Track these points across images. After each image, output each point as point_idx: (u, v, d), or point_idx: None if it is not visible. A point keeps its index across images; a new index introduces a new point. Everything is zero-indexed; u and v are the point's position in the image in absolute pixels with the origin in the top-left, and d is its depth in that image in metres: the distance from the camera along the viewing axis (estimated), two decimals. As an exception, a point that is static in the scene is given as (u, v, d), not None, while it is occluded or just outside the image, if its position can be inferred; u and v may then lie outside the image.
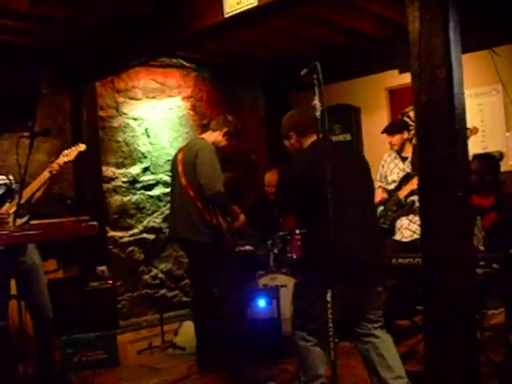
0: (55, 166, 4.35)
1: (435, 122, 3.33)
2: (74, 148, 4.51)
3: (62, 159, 4.42)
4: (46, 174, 4.30)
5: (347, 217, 3.21)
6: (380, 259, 3.51)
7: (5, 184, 4.32)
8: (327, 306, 2.94)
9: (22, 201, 4.06)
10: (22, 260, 4.28)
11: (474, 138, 4.99)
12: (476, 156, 5.14)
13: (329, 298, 3.08)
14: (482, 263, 4.32)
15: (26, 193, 4.20)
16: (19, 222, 4.07)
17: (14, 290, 4.36)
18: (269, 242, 5.68)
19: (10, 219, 4.05)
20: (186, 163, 4.49)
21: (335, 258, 3.03)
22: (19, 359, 4.27)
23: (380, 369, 3.33)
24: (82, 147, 4.57)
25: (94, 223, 3.92)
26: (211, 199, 4.31)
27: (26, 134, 4.25)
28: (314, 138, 3.36)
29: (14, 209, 4.07)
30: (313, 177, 3.15)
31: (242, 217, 4.74)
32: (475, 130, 4.94)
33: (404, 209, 5.24)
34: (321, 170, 2.95)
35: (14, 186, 4.29)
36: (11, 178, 4.33)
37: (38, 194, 4.28)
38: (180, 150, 4.70)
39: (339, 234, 3.01)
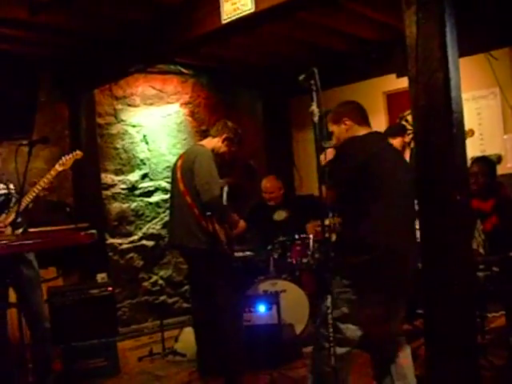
0: (49, 177, 4.35)
1: (433, 126, 3.33)
2: (70, 156, 4.52)
3: (58, 168, 4.42)
4: (41, 184, 4.30)
5: (399, 219, 3.14)
6: (415, 268, 3.30)
7: (4, 194, 4.32)
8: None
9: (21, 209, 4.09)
10: (21, 269, 4.28)
11: (472, 142, 4.99)
12: (475, 160, 5.15)
13: (328, 304, 3.08)
14: (482, 266, 4.33)
15: (24, 201, 4.21)
16: (17, 231, 4.07)
17: (13, 299, 4.37)
18: (269, 248, 5.69)
19: (8, 229, 4.05)
20: (184, 169, 4.50)
21: (393, 263, 3.03)
22: (18, 367, 4.26)
23: (396, 377, 3.29)
24: (78, 155, 4.58)
25: (93, 231, 3.92)
26: (207, 205, 4.30)
27: (24, 141, 4.26)
28: (367, 129, 3.35)
29: (11, 218, 4.08)
30: (375, 166, 3.10)
31: (241, 223, 4.73)
32: (471, 133, 4.96)
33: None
34: (378, 166, 3.00)
35: (14, 195, 4.28)
36: (12, 187, 4.32)
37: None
38: (180, 157, 4.71)
39: (394, 238, 3.03)
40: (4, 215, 4.17)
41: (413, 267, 3.21)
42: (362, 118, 3.41)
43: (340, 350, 3.04)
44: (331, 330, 3.11)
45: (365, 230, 3.07)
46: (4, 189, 4.34)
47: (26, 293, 4.33)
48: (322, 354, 3.05)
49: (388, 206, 3.06)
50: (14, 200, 4.31)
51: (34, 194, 4.28)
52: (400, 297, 3.24)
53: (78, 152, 4.59)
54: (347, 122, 3.38)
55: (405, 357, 3.31)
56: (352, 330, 3.09)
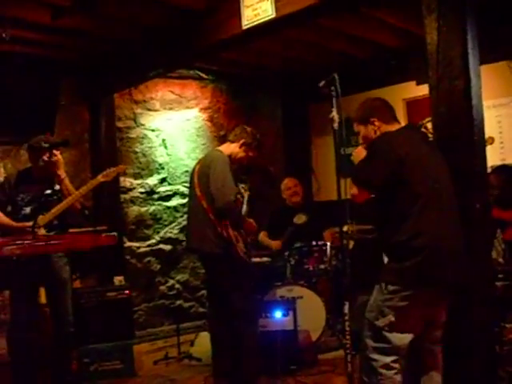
0: (90, 186, 4.41)
1: (453, 134, 3.31)
2: (114, 169, 4.58)
3: (100, 179, 4.48)
4: (80, 192, 4.35)
5: (442, 217, 3.01)
6: (462, 264, 3.09)
7: (47, 194, 4.35)
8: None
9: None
10: (53, 273, 4.34)
11: (492, 150, 4.94)
12: (495, 168, 5.11)
13: (346, 311, 3.07)
14: (501, 276, 4.29)
15: (62, 206, 4.26)
16: (41, 232, 4.12)
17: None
18: (286, 253, 5.68)
19: (41, 230, 4.10)
20: (200, 175, 4.50)
21: (439, 264, 2.94)
22: (37, 369, 4.30)
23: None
24: (121, 168, 4.68)
25: (114, 234, 3.95)
26: (221, 211, 4.30)
27: (45, 144, 4.31)
28: (396, 125, 3.25)
29: (47, 220, 4.13)
30: (411, 165, 2.99)
31: (254, 227, 4.71)
32: (491, 140, 4.91)
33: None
34: (415, 163, 2.95)
35: (55, 197, 4.33)
36: (57, 188, 4.35)
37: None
38: (198, 162, 4.72)
39: (439, 238, 2.95)
40: (41, 216, 4.21)
41: (460, 268, 3.05)
42: (391, 115, 3.29)
43: (386, 359, 3.00)
44: (348, 337, 3.11)
45: (407, 232, 2.95)
46: (48, 189, 4.38)
47: (54, 296, 4.40)
48: (374, 358, 3.03)
49: (428, 205, 2.95)
50: (56, 202, 4.34)
51: (73, 201, 4.33)
52: (444, 299, 3.13)
53: (121, 166, 4.70)
54: (376, 123, 3.25)
55: (437, 371, 3.20)
56: (399, 338, 3.00)
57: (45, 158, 4.32)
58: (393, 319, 2.98)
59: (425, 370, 3.18)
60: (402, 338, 3.01)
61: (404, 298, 2.96)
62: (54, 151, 4.34)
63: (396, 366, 3.01)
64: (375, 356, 3.02)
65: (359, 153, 3.35)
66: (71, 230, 4.80)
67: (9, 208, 4.42)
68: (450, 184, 3.13)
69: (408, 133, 3.24)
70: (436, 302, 3.10)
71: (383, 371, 2.99)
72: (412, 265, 2.93)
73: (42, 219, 4.16)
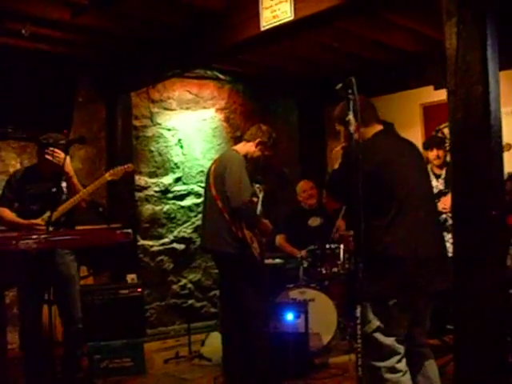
0: (97, 184, 4.43)
1: (470, 140, 3.29)
2: (121, 167, 4.60)
3: (107, 177, 4.50)
4: (88, 190, 4.37)
5: (419, 217, 3.00)
6: (445, 264, 3.14)
7: (53, 192, 4.38)
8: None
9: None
10: (60, 269, 4.35)
11: (509, 156, 4.91)
12: (510, 175, 5.06)
13: (358, 314, 3.05)
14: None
15: (70, 203, 4.29)
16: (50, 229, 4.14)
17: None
18: (299, 255, 5.67)
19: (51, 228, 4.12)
20: (216, 175, 4.51)
21: (416, 264, 2.93)
22: (48, 364, 4.31)
23: None
24: (130, 168, 4.67)
25: (129, 231, 3.96)
26: (236, 211, 4.30)
27: (62, 141, 4.34)
28: (376, 128, 3.23)
29: (54, 217, 4.14)
30: (387, 173, 2.99)
31: (269, 228, 4.70)
32: (508, 147, 4.87)
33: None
34: (394, 166, 2.96)
35: (63, 195, 4.35)
36: (64, 185, 4.37)
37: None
38: (214, 162, 4.72)
39: (416, 237, 2.95)
40: (48, 213, 4.23)
41: (440, 274, 3.05)
42: (369, 117, 3.24)
43: (389, 363, 3.00)
44: (359, 341, 3.10)
45: (382, 242, 2.96)
46: (55, 186, 4.40)
47: (62, 292, 4.40)
48: (376, 365, 3.03)
49: (403, 212, 2.95)
50: (63, 199, 4.38)
51: (81, 199, 4.36)
52: (420, 306, 3.13)
53: (129, 165, 4.69)
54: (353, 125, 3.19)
55: (432, 369, 3.22)
56: (387, 340, 3.01)
57: (46, 155, 4.35)
58: (378, 323, 3.01)
59: (419, 365, 3.19)
60: (388, 340, 3.01)
61: (386, 306, 2.98)
62: (56, 149, 4.35)
63: (401, 367, 3.00)
64: (377, 364, 3.02)
65: (338, 153, 3.34)
66: (86, 227, 4.84)
67: (16, 205, 4.45)
68: (429, 189, 3.18)
69: (385, 138, 3.20)
70: (416, 304, 3.09)
71: (389, 376, 2.99)
72: (388, 277, 2.96)
73: (47, 216, 4.17)
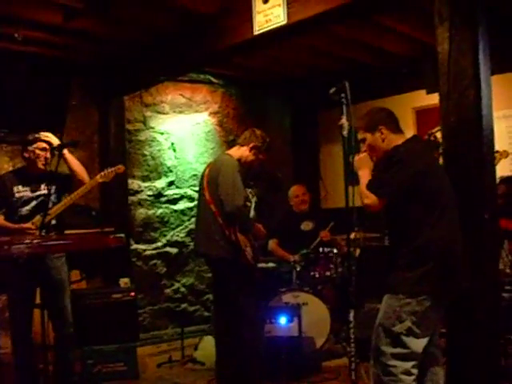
0: (88, 186, 4.42)
1: (463, 144, 3.31)
2: (112, 169, 4.59)
3: (98, 179, 4.49)
4: (79, 192, 4.36)
5: (452, 228, 3.09)
6: (467, 270, 3.14)
7: (43, 195, 4.37)
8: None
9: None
10: (50, 273, 4.33)
11: (502, 161, 4.93)
12: (503, 179, 5.09)
13: (351, 318, 3.06)
14: (507, 287, 4.27)
15: (61, 206, 4.29)
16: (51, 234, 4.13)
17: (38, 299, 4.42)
18: (292, 260, 5.67)
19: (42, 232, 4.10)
20: (210, 179, 4.51)
21: (451, 268, 3.01)
22: (40, 369, 4.29)
23: None
24: (120, 169, 4.66)
25: (122, 235, 3.95)
26: (230, 215, 4.30)
27: (54, 145, 4.34)
28: (403, 136, 3.29)
29: (45, 220, 4.13)
30: (428, 182, 3.06)
31: (263, 233, 4.71)
32: (506, 154, 4.87)
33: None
34: (433, 176, 3.05)
35: (52, 198, 4.33)
36: (53, 188, 4.36)
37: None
38: (207, 166, 4.72)
39: (448, 248, 3.02)
40: (38, 216, 4.21)
41: (466, 273, 3.11)
42: (396, 125, 3.33)
43: (406, 365, 3.01)
44: (352, 345, 3.10)
45: (423, 241, 3.02)
46: (43, 189, 4.39)
47: (52, 296, 4.37)
48: (393, 364, 3.03)
49: (442, 215, 3.04)
50: (52, 202, 4.35)
51: (71, 201, 4.35)
52: (444, 305, 3.17)
53: (120, 166, 4.67)
54: (383, 131, 3.27)
55: (441, 375, 3.23)
56: (416, 344, 3.01)
57: (26, 154, 4.37)
58: (410, 324, 3.00)
59: (428, 370, 3.19)
60: (419, 343, 3.02)
61: (420, 302, 2.99)
62: (38, 145, 4.35)
63: (415, 371, 3.02)
64: (394, 362, 3.02)
65: (363, 160, 3.34)
66: (75, 232, 4.83)
67: (3, 209, 4.42)
68: (454, 195, 3.18)
69: (421, 145, 3.31)
70: (445, 305, 3.13)
71: (403, 377, 3.00)
72: (425, 273, 2.99)
73: (38, 220, 4.16)
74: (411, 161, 3.11)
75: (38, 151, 4.37)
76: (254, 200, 4.67)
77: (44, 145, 4.41)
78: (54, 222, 4.35)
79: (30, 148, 4.38)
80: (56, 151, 4.27)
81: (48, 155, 4.41)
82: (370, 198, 3.11)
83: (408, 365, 3.00)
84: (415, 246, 3.03)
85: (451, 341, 3.36)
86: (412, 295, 3.01)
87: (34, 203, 4.36)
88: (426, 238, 3.01)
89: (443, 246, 3.02)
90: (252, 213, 4.59)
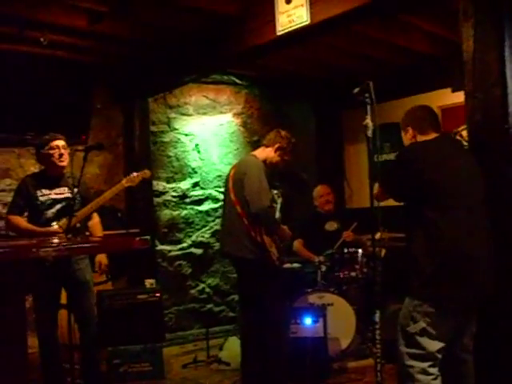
0: (115, 190, 4.45)
1: (489, 142, 3.27)
2: (139, 174, 4.62)
3: (124, 184, 4.52)
4: (106, 196, 4.40)
5: (464, 229, 3.00)
6: (493, 274, 3.08)
7: (66, 198, 4.40)
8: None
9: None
10: (75, 275, 4.37)
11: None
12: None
13: (377, 319, 3.04)
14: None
15: (87, 210, 4.32)
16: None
17: (64, 300, 4.47)
18: (316, 260, 5.66)
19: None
20: (235, 180, 4.51)
21: (463, 272, 2.95)
22: (67, 369, 4.33)
23: None
24: (146, 174, 4.68)
25: (147, 237, 3.97)
26: (256, 216, 4.30)
27: (80, 147, 4.36)
28: (432, 136, 3.26)
29: (72, 223, 4.16)
30: (427, 181, 3.02)
31: (288, 234, 4.70)
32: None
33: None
34: (437, 174, 2.98)
35: (78, 200, 4.36)
36: (76, 190, 4.40)
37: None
38: (233, 167, 4.73)
39: (463, 243, 2.96)
40: (64, 219, 4.23)
41: (487, 279, 3.04)
42: (428, 126, 3.29)
43: (423, 365, 2.99)
44: (378, 346, 3.08)
45: (430, 246, 2.99)
46: (67, 192, 4.43)
47: (77, 297, 4.42)
48: (410, 364, 3.03)
49: (450, 217, 2.98)
50: (78, 205, 4.38)
51: (98, 205, 4.38)
52: (472, 310, 3.13)
53: (146, 171, 4.70)
54: (410, 131, 3.32)
55: (470, 380, 3.17)
56: (432, 344, 2.99)
57: (43, 154, 4.41)
58: (424, 325, 2.98)
59: (458, 379, 3.15)
60: (434, 344, 3.00)
61: (433, 305, 2.98)
62: (59, 143, 4.40)
63: (433, 371, 3.00)
64: (411, 362, 3.02)
65: None
66: (105, 232, 4.86)
67: (26, 212, 4.45)
68: (481, 194, 3.12)
69: (438, 143, 3.22)
70: (465, 311, 3.08)
71: (420, 377, 2.98)
72: (425, 280, 2.98)
73: (64, 223, 4.19)
74: (411, 160, 3.11)
75: (57, 150, 4.39)
76: (279, 201, 4.67)
77: (62, 142, 4.45)
78: (78, 225, 4.38)
79: (46, 147, 4.41)
80: (82, 154, 4.30)
81: (66, 154, 4.43)
82: (376, 188, 3.15)
83: (424, 365, 2.99)
84: (423, 248, 3.01)
85: (477, 342, 3.30)
86: (423, 298, 3.00)
87: (58, 206, 4.39)
88: (434, 241, 2.97)
89: (453, 249, 2.95)
90: (278, 214, 4.59)
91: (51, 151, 4.39)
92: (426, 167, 3.04)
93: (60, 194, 4.42)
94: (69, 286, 4.37)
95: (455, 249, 2.95)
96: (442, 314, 2.97)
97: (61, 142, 4.43)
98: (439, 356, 3.02)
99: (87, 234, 4.59)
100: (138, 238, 3.90)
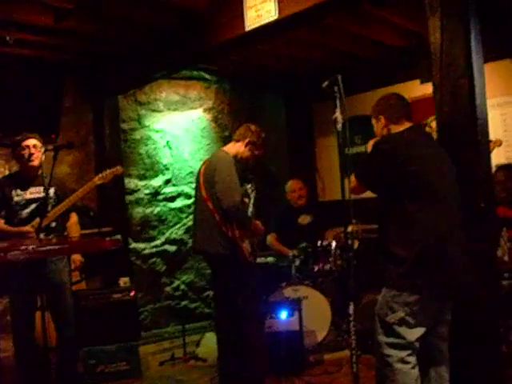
0: (87, 188, 4.42)
1: (457, 133, 3.31)
2: (110, 170, 4.59)
3: (96, 181, 4.49)
4: (78, 194, 4.37)
5: (440, 222, 3.01)
6: (467, 265, 3.09)
7: (40, 198, 4.37)
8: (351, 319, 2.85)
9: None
10: (52, 276, 4.34)
11: (497, 149, 4.94)
12: (500, 167, 5.09)
13: (351, 311, 3.07)
14: (506, 275, 4.28)
15: (60, 209, 4.29)
16: (50, 236, 4.13)
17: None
18: (290, 254, 5.68)
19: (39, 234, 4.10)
20: (206, 176, 4.51)
21: (440, 261, 2.96)
22: (43, 371, 4.30)
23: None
24: (118, 170, 4.66)
25: (118, 237, 3.96)
26: (227, 212, 4.30)
27: (50, 146, 4.32)
28: (405, 125, 3.26)
29: (44, 223, 4.13)
30: (412, 167, 3.02)
31: (261, 228, 4.71)
32: (499, 142, 4.89)
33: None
34: (415, 167, 2.98)
35: (52, 200, 4.34)
36: (51, 191, 4.39)
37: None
38: (204, 163, 4.72)
39: (440, 234, 2.97)
40: (37, 219, 4.20)
41: (462, 270, 3.05)
42: (400, 115, 3.30)
43: (401, 353, 3.01)
44: (353, 337, 3.11)
45: (402, 236, 3.02)
46: (41, 192, 4.39)
47: (54, 298, 4.40)
48: (388, 354, 3.04)
49: (426, 208, 2.99)
50: (51, 204, 4.38)
51: (70, 204, 4.35)
52: (448, 298, 3.15)
53: (118, 168, 4.67)
54: (382, 120, 3.33)
55: (446, 367, 3.21)
56: (411, 333, 3.02)
57: (17, 153, 4.39)
58: (402, 315, 3.01)
59: (433, 366, 3.19)
60: (413, 333, 3.02)
61: (412, 295, 2.99)
62: (28, 142, 4.37)
63: (411, 359, 3.03)
64: (389, 351, 3.04)
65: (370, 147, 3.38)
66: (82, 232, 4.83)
67: (2, 212, 4.42)
68: (454, 185, 3.15)
69: (412, 134, 3.23)
70: (442, 299, 3.12)
71: (399, 365, 3.01)
72: (404, 270, 2.99)
73: (37, 222, 4.16)
74: (391, 149, 3.10)
75: (27, 149, 4.37)
76: (253, 195, 4.68)
77: (34, 142, 4.42)
78: (53, 224, 4.35)
79: (18, 148, 4.39)
80: (52, 153, 4.26)
81: (39, 153, 4.40)
82: (352, 182, 3.16)
83: (403, 353, 3.01)
84: (401, 239, 3.02)
85: (452, 329, 3.35)
86: (401, 288, 3.02)
87: (33, 206, 4.37)
88: (412, 231, 2.99)
89: (429, 238, 2.97)
90: (251, 208, 4.60)
91: (22, 151, 4.38)
92: (406, 158, 3.03)
93: (35, 193, 4.39)
94: (46, 287, 4.34)
95: (433, 239, 2.97)
96: (421, 303, 2.99)
97: (32, 142, 4.41)
98: (417, 345, 3.05)
99: (65, 234, 4.56)
100: (108, 239, 3.89)
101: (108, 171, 4.58)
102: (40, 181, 4.42)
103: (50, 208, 4.34)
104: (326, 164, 7.68)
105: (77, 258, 4.65)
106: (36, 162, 4.39)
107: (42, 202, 4.25)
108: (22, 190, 4.40)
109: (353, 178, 3.19)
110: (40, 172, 4.46)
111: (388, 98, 3.41)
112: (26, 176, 4.46)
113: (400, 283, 3.03)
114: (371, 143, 3.40)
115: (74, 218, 4.65)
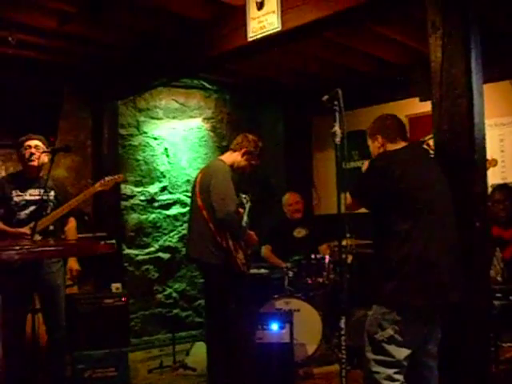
0: (87, 194, 4.43)
1: (455, 152, 3.32)
2: (112, 178, 4.59)
3: (97, 187, 4.49)
4: (77, 199, 4.37)
5: (432, 238, 3.01)
6: (459, 282, 3.08)
7: (39, 200, 4.36)
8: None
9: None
10: (46, 278, 4.33)
11: (493, 168, 4.96)
12: (496, 187, 5.11)
13: (342, 325, 3.06)
14: (498, 295, 4.28)
15: (59, 213, 4.28)
16: (36, 237, 4.11)
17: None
18: (284, 266, 5.67)
19: (36, 236, 4.09)
20: (202, 185, 4.51)
21: (430, 280, 2.96)
22: (31, 372, 4.28)
23: None
24: (120, 178, 4.67)
25: (113, 241, 3.95)
26: (221, 222, 4.30)
27: (47, 149, 4.34)
28: (401, 144, 3.30)
29: (41, 226, 4.13)
30: (398, 191, 3.04)
31: (254, 239, 4.71)
32: (494, 162, 4.91)
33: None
34: (407, 184, 3.01)
35: (51, 202, 4.34)
36: (52, 194, 4.40)
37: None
38: (200, 171, 4.72)
39: (432, 252, 2.97)
40: (38, 222, 4.20)
41: (453, 288, 3.05)
42: (396, 134, 3.34)
43: (389, 371, 3.01)
44: (344, 352, 3.10)
45: (395, 253, 3.02)
46: (40, 195, 4.38)
47: (47, 300, 4.39)
48: (376, 371, 3.04)
49: (419, 226, 3.00)
50: (50, 207, 4.38)
51: (69, 208, 4.35)
52: (437, 317, 3.16)
53: (120, 175, 4.69)
54: (379, 140, 3.36)
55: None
56: (398, 352, 3.01)
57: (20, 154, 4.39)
58: (392, 333, 3.01)
59: (422, 379, 3.18)
60: (402, 352, 3.02)
61: (401, 313, 2.99)
62: (30, 142, 4.38)
63: (399, 377, 3.02)
64: (377, 368, 3.04)
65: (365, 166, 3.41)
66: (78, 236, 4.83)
67: (1, 212, 4.42)
68: (448, 203, 3.16)
69: (408, 152, 3.27)
70: (431, 318, 3.11)
71: (386, 383, 3.01)
72: (395, 288, 2.99)
73: (38, 225, 4.15)
74: (386, 166, 3.13)
75: (28, 149, 4.38)
76: (248, 205, 4.67)
77: (35, 142, 4.43)
78: (51, 227, 4.35)
79: (23, 146, 4.40)
80: (49, 155, 4.28)
81: (40, 154, 4.41)
82: (348, 198, 3.18)
83: (390, 371, 3.01)
84: (393, 256, 3.02)
85: (443, 347, 3.35)
86: (390, 306, 3.02)
87: (32, 208, 4.37)
88: (404, 249, 2.99)
89: (419, 257, 2.97)
90: (245, 218, 4.60)
91: (24, 151, 4.40)
92: (401, 176, 3.05)
93: (35, 195, 4.39)
94: (39, 289, 4.33)
95: (424, 257, 2.97)
96: (409, 322, 2.99)
97: (34, 142, 4.44)
98: (405, 364, 3.04)
99: (63, 237, 4.56)
100: (103, 242, 3.88)
101: (109, 178, 4.58)
102: (41, 183, 4.42)
103: (49, 211, 4.34)
104: (323, 178, 7.68)
105: (74, 266, 4.63)
106: (36, 163, 4.40)
107: (41, 205, 4.25)
108: (21, 191, 4.40)
109: (348, 195, 3.21)
110: (41, 174, 4.46)
111: (384, 119, 3.46)
112: (26, 177, 4.47)
113: (389, 301, 3.04)
114: (366, 164, 3.42)
115: (72, 222, 4.65)
